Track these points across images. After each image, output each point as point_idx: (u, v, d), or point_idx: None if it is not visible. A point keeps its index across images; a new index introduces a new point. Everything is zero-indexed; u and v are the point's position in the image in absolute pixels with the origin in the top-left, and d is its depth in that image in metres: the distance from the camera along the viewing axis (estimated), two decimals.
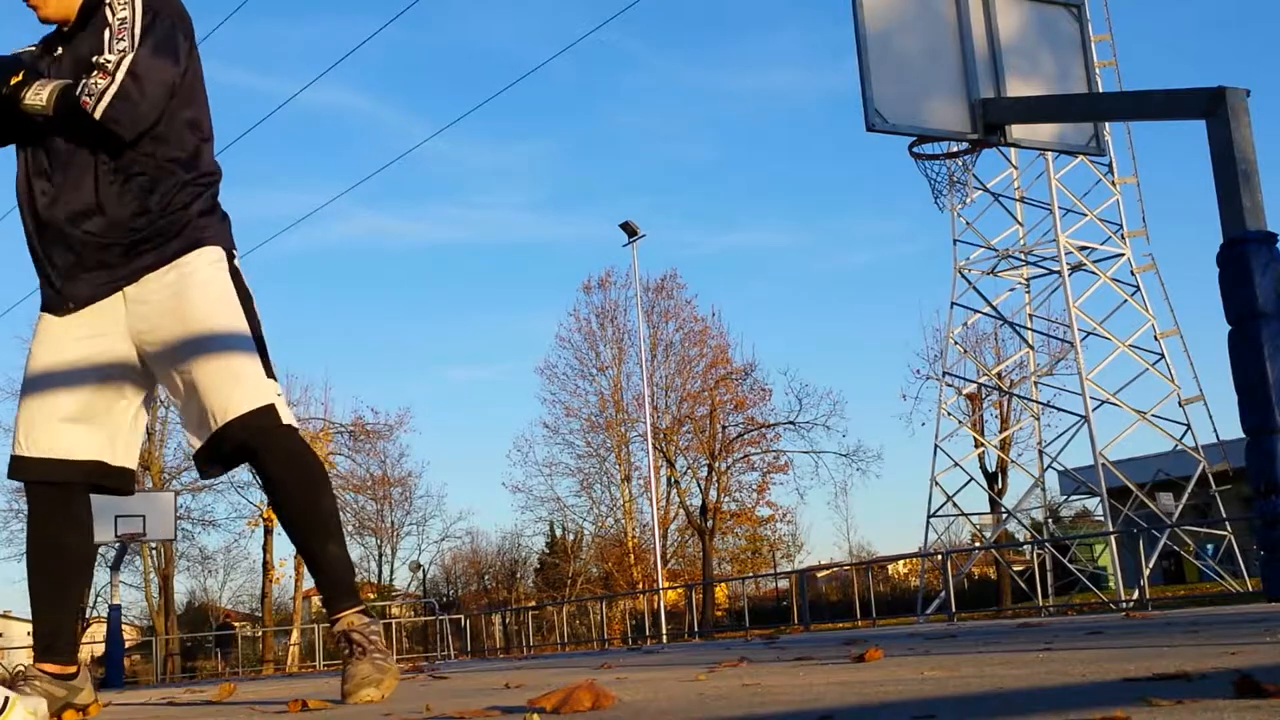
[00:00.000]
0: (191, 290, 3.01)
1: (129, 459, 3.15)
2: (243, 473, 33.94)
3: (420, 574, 41.88)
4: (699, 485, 33.90)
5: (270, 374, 3.06)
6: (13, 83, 2.99)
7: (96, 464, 3.07)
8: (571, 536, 39.09)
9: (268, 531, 33.41)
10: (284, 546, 52.83)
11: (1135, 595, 17.23)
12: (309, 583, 38.90)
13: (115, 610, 19.44)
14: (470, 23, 59.74)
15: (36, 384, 3.06)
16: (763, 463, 34.15)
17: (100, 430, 3.07)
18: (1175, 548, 24.42)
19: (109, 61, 2.89)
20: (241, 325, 3.04)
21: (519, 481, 51.95)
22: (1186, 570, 28.24)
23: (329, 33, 53.13)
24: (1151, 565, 18.73)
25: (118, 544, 19.16)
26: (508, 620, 31.75)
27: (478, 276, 61.50)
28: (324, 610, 3.18)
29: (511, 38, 57.45)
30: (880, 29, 9.66)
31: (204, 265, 3.05)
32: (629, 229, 29.54)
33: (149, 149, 3.01)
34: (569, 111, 59.93)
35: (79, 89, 2.90)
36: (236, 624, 39.76)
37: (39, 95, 2.96)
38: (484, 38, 59.40)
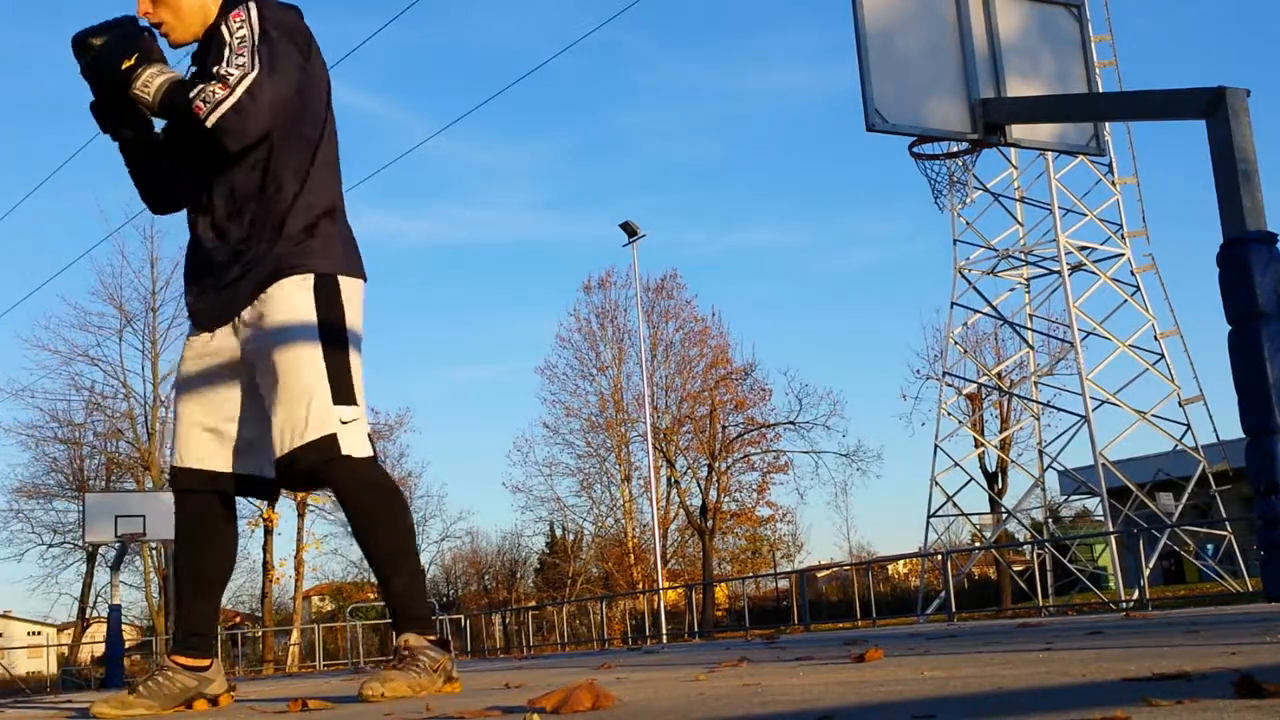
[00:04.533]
0: (267, 322, 2.99)
1: (268, 468, 3.13)
2: None
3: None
4: (699, 485, 33.91)
5: (348, 399, 2.97)
6: (124, 66, 2.91)
7: (236, 477, 3.14)
8: (571, 536, 39.10)
9: (268, 531, 33.40)
10: (284, 546, 52.93)
11: (1135, 595, 17.24)
12: (309, 583, 39.09)
13: (115, 610, 19.40)
14: (473, 21, 59.81)
15: (183, 398, 3.16)
16: (763, 463, 34.19)
17: (239, 442, 3.13)
18: (1175, 548, 24.42)
19: (230, 75, 2.84)
20: (309, 355, 2.95)
21: (519, 481, 52.00)
22: (1186, 570, 28.25)
23: (331, 32, 52.99)
24: (1151, 565, 18.73)
25: (118, 544, 19.14)
26: (508, 620, 31.74)
27: (478, 276, 61.58)
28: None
29: (514, 36, 57.54)
30: (880, 29, 9.65)
31: (284, 294, 2.98)
32: (629, 229, 29.55)
33: (256, 167, 2.99)
34: (571, 111, 60.01)
35: (193, 92, 2.84)
36: (242, 623, 39.78)
37: (147, 87, 2.91)
38: (486, 36, 59.48)
